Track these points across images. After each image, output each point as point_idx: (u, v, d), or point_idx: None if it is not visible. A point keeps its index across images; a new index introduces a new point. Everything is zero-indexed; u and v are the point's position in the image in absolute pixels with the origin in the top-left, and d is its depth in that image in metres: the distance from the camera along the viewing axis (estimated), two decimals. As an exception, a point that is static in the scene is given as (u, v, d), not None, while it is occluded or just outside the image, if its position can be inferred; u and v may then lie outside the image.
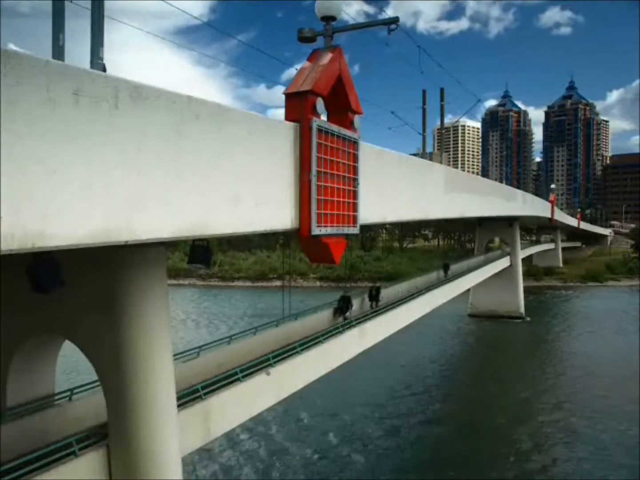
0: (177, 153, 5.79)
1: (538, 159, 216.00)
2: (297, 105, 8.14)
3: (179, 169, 5.83)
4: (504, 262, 46.94)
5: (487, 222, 48.36)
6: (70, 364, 23.32)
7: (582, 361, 34.57)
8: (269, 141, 7.51)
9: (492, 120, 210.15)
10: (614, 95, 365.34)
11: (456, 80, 25.19)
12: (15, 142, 4.11)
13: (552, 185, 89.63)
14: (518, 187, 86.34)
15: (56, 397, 10.18)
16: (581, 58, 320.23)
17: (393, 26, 9.88)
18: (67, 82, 4.55)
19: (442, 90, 27.03)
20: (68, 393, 10.14)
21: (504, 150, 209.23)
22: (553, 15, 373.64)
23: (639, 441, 20.77)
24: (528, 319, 48.65)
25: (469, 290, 42.42)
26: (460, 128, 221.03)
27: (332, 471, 19.23)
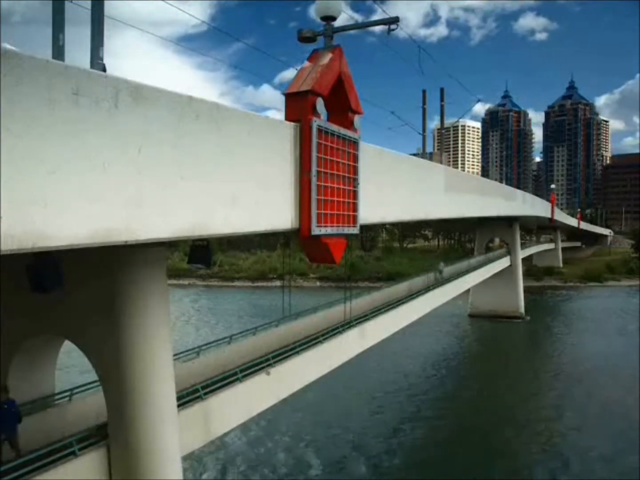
0: (177, 153, 5.79)
1: (538, 159, 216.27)
2: (297, 105, 8.13)
3: (179, 168, 5.82)
4: (504, 262, 46.95)
5: (487, 222, 48.29)
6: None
7: (582, 361, 34.56)
8: (268, 141, 7.50)
9: (492, 120, 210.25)
10: (602, 99, 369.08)
11: (456, 80, 25.23)
12: (15, 142, 4.11)
13: (552, 185, 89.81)
14: (518, 187, 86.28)
15: (56, 397, 10.18)
16: (566, 63, 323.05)
17: (393, 26, 9.88)
18: (67, 82, 4.54)
19: (442, 90, 27.12)
20: (68, 393, 10.14)
21: (504, 150, 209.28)
22: (529, 22, 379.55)
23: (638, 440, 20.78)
24: (528, 318, 48.64)
25: (469, 290, 42.41)
26: (460, 128, 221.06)
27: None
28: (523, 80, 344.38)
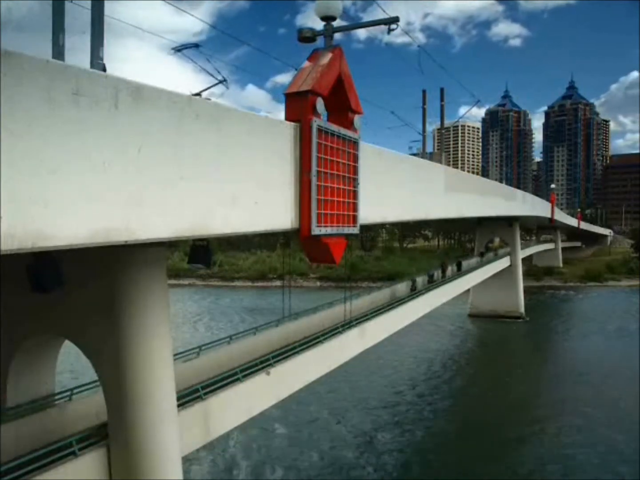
0: (177, 152, 5.79)
1: (538, 159, 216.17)
2: (297, 105, 8.13)
3: (179, 168, 5.83)
4: (504, 262, 46.94)
5: (487, 222, 48.31)
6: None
7: (581, 361, 34.60)
8: (268, 141, 7.51)
9: (492, 120, 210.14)
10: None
11: (457, 81, 25.24)
12: (15, 142, 4.11)
13: (552, 185, 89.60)
14: (518, 187, 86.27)
15: (56, 397, 10.18)
16: (548, 68, 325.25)
17: (393, 26, 9.87)
18: (67, 82, 4.55)
19: (442, 90, 27.11)
20: (68, 393, 10.14)
21: (504, 150, 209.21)
22: (503, 29, 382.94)
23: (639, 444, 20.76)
24: (528, 318, 48.66)
25: (469, 290, 42.41)
26: (460, 128, 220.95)
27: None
28: (505, 84, 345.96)
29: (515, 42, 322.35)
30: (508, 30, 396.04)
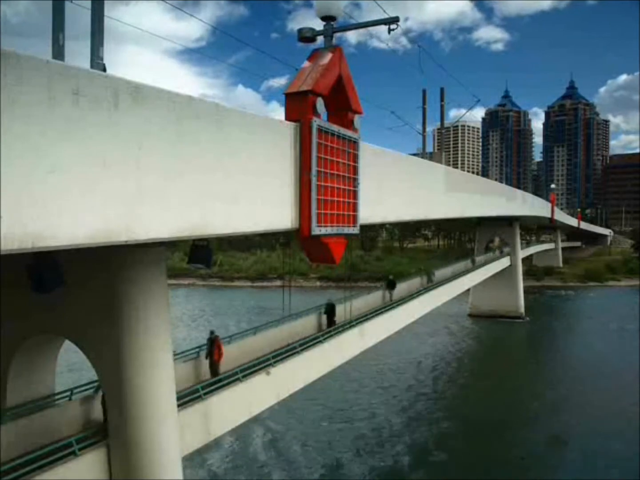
0: (177, 153, 5.79)
1: (538, 159, 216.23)
2: (297, 105, 8.13)
3: (179, 168, 5.82)
4: (504, 262, 46.94)
5: (487, 222, 48.34)
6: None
7: (581, 361, 34.57)
8: (269, 141, 7.51)
9: (492, 120, 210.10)
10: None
11: (456, 80, 25.25)
12: (15, 142, 4.11)
13: (552, 185, 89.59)
14: (518, 187, 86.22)
15: (56, 397, 10.18)
16: (534, 72, 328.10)
17: (393, 26, 9.86)
18: (67, 82, 4.54)
19: (442, 90, 27.12)
20: (68, 393, 10.15)
21: (504, 150, 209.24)
22: (485, 33, 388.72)
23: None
24: (528, 318, 48.65)
25: (469, 290, 42.39)
26: (460, 128, 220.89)
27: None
28: (505, 83, 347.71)
29: (498, 46, 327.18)
30: (490, 34, 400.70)
